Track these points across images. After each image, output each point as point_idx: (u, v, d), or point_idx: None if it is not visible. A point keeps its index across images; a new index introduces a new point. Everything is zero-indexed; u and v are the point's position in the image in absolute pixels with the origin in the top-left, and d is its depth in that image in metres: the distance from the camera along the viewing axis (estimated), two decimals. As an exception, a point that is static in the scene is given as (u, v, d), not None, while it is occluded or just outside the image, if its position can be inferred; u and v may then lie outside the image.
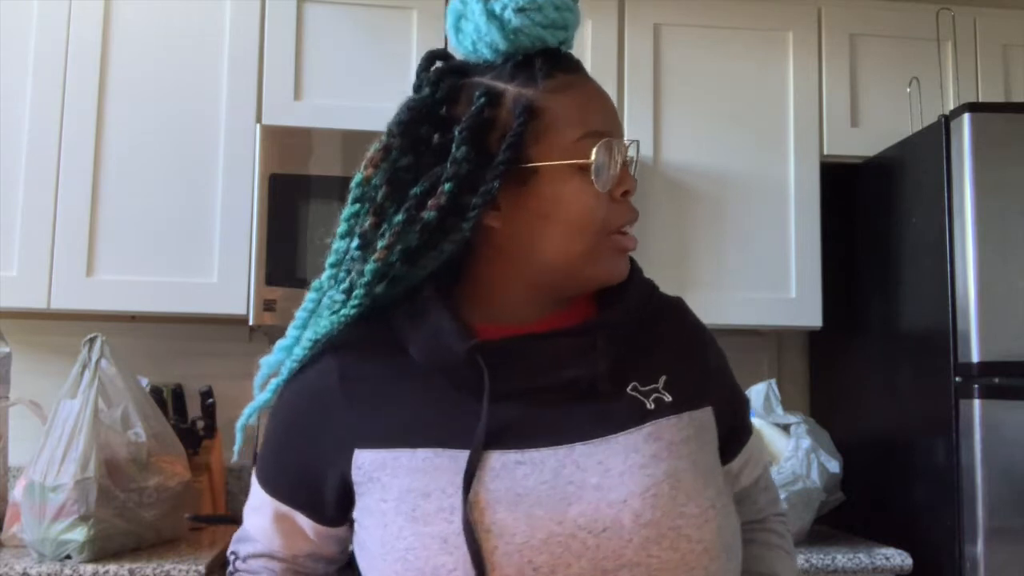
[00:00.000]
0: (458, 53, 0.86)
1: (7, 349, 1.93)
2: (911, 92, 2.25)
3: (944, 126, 1.87)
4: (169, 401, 2.11)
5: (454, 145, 0.79)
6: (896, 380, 2.03)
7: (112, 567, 1.61)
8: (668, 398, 0.85)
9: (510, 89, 0.81)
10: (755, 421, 2.05)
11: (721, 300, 2.15)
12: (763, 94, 2.23)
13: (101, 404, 1.74)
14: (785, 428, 2.02)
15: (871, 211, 2.18)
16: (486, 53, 0.82)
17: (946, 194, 1.84)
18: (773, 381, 2.09)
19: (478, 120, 0.79)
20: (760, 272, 2.18)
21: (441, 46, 2.12)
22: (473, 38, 0.81)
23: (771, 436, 2.01)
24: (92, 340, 1.78)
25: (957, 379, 1.80)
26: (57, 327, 2.25)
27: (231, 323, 2.25)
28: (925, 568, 1.84)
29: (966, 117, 1.81)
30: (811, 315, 2.17)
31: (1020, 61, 2.31)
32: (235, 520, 2.00)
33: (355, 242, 0.82)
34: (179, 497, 1.81)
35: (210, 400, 2.13)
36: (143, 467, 1.75)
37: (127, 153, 2.01)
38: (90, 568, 1.60)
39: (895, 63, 2.28)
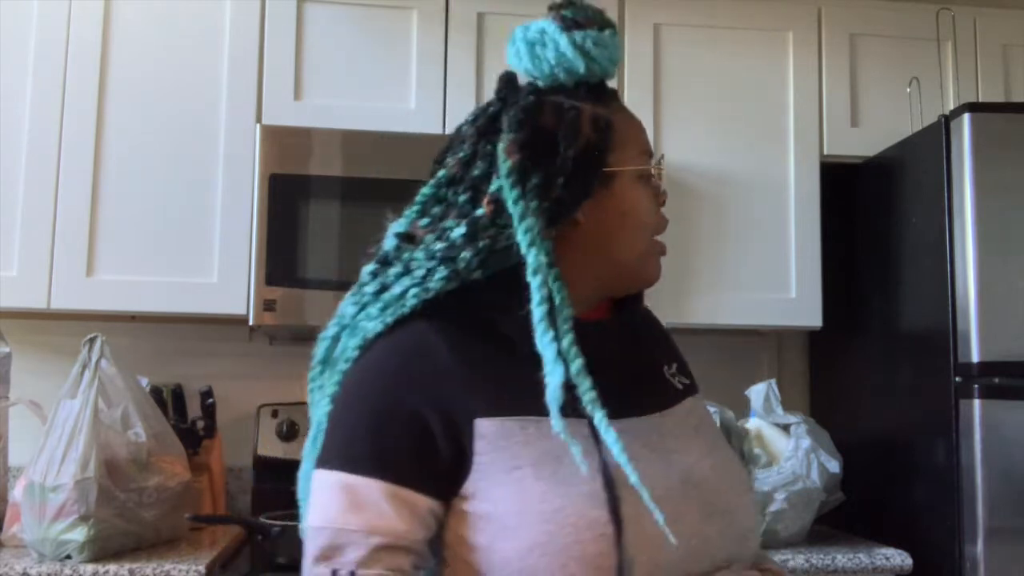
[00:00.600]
0: (519, 71, 0.99)
1: (7, 349, 1.93)
2: (911, 92, 2.25)
3: (944, 126, 1.87)
4: (169, 401, 2.11)
5: (562, 147, 0.91)
6: (896, 380, 2.03)
7: (112, 567, 1.61)
8: (686, 381, 1.02)
9: (586, 107, 0.93)
10: (755, 421, 2.05)
11: (721, 300, 2.15)
12: (763, 94, 2.23)
13: (101, 404, 1.74)
14: (785, 428, 2.02)
15: (871, 211, 2.18)
16: (562, 76, 0.94)
17: (946, 194, 1.84)
18: (773, 381, 2.09)
19: (574, 128, 0.92)
20: (760, 272, 2.17)
21: (440, 48, 2.13)
22: (552, 63, 0.94)
23: (771, 436, 2.01)
24: (92, 340, 1.78)
25: (957, 379, 1.80)
26: (57, 327, 2.25)
27: (231, 323, 2.25)
28: (925, 568, 1.84)
29: (966, 117, 1.81)
30: (811, 315, 2.17)
31: (1020, 61, 2.31)
32: (235, 520, 2.01)
33: (463, 229, 0.90)
34: (179, 497, 1.81)
35: (210, 400, 2.13)
36: (143, 467, 1.75)
37: (127, 153, 2.01)
38: (90, 568, 1.60)
39: (895, 63, 2.28)
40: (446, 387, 0.86)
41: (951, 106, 2.24)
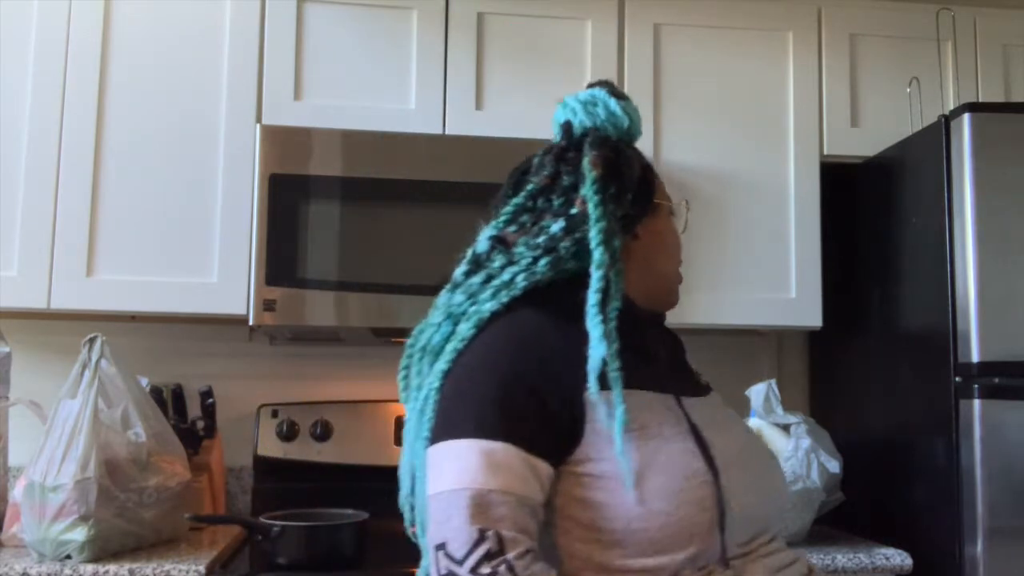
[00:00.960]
0: (575, 120, 1.19)
1: (7, 349, 1.93)
2: (911, 92, 2.25)
3: (944, 126, 1.87)
4: (169, 401, 2.11)
5: (625, 171, 1.13)
6: (896, 380, 2.03)
7: (112, 567, 1.61)
8: (706, 378, 1.20)
9: (632, 152, 1.18)
10: (755, 421, 2.05)
11: (721, 300, 2.15)
12: (763, 94, 2.23)
13: (101, 404, 1.74)
14: (785, 428, 2.02)
15: (871, 211, 2.18)
16: (610, 130, 1.17)
17: (946, 194, 1.84)
18: (773, 381, 2.09)
19: (630, 161, 1.15)
20: (760, 272, 2.18)
21: (440, 48, 2.13)
22: (603, 118, 1.17)
23: (771, 436, 2.01)
24: (92, 340, 1.78)
25: (957, 379, 1.80)
26: (57, 327, 2.25)
27: (231, 323, 2.26)
28: (925, 568, 1.84)
29: (966, 117, 1.81)
30: (811, 315, 2.17)
31: (1020, 61, 2.31)
32: (235, 520, 2.01)
33: (562, 223, 1.08)
34: (179, 497, 1.81)
35: (210, 400, 2.13)
36: (143, 467, 1.75)
37: (127, 153, 2.01)
38: (90, 568, 1.60)
39: (895, 63, 2.28)
40: (558, 363, 0.99)
41: (951, 106, 2.24)
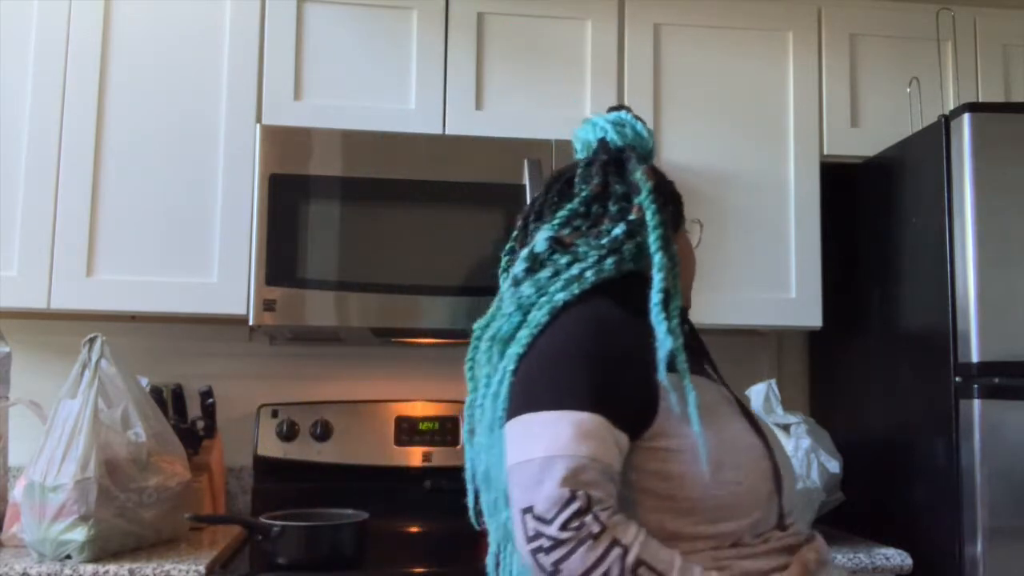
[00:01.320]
0: (593, 140, 1.32)
1: (7, 349, 1.94)
2: (911, 92, 2.25)
3: (944, 126, 1.87)
4: (169, 401, 2.11)
5: (666, 184, 1.29)
6: (896, 380, 2.03)
7: (112, 567, 1.61)
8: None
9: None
10: (755, 421, 2.05)
11: (721, 300, 2.15)
12: (763, 94, 2.23)
13: (101, 404, 1.74)
14: (785, 428, 2.02)
15: (871, 211, 2.18)
16: (636, 148, 1.29)
17: (946, 194, 1.84)
18: (773, 381, 2.09)
19: (666, 176, 1.32)
20: (760, 272, 2.18)
21: (440, 48, 2.13)
22: (630, 138, 1.30)
23: (771, 436, 2.01)
24: (92, 340, 1.78)
25: (957, 379, 1.80)
26: (57, 327, 2.25)
27: (231, 323, 2.26)
28: (925, 568, 1.84)
29: (966, 117, 1.81)
30: (811, 315, 2.17)
31: (1020, 61, 2.31)
32: (235, 520, 2.01)
33: (623, 227, 1.18)
34: (179, 497, 1.81)
35: (210, 400, 2.13)
36: (143, 467, 1.75)
37: (127, 153, 2.01)
38: (90, 568, 1.60)
39: (895, 63, 2.28)
40: (632, 347, 1.08)
41: (951, 106, 2.24)
